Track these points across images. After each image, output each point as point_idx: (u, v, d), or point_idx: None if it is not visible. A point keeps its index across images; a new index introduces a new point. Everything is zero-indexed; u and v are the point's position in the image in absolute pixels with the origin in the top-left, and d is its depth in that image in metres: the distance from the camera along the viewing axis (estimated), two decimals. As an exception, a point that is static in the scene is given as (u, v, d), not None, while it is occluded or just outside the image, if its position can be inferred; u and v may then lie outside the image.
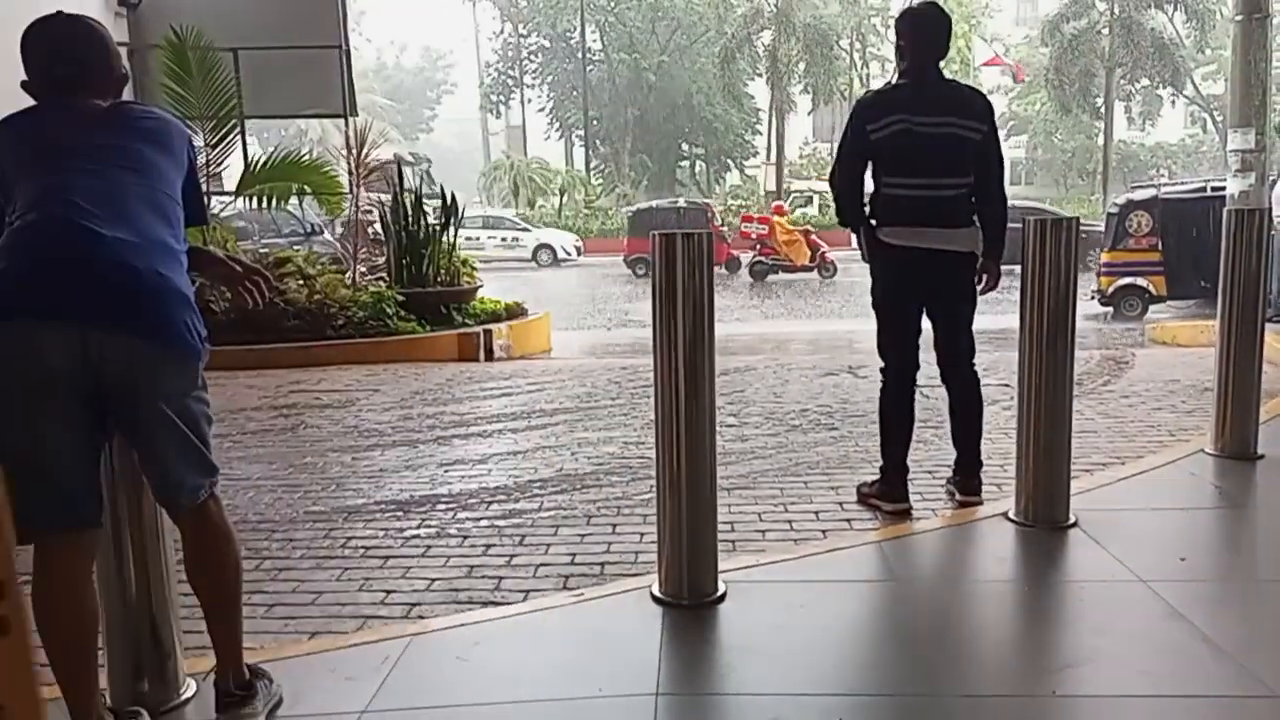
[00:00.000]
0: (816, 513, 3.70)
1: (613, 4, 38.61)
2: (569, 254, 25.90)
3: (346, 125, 9.48)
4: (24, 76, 2.15)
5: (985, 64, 35.22)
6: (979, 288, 3.62)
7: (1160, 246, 11.64)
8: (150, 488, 2.14)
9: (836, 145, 3.69)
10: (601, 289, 18.66)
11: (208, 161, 8.10)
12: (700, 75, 39.11)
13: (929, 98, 3.48)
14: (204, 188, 3.86)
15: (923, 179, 3.45)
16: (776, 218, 19.43)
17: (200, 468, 2.10)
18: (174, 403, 2.02)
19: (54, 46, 2.13)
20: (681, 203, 23.07)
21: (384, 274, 9.13)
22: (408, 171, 23.18)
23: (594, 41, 40.20)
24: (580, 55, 38.12)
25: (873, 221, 3.54)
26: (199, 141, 8.02)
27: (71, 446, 1.97)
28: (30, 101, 2.15)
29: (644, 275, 20.60)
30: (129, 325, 1.95)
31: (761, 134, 39.94)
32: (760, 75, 36.07)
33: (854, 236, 3.66)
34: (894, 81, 3.66)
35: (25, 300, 1.91)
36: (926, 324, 3.63)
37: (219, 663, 2.22)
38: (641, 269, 20.75)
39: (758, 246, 19.09)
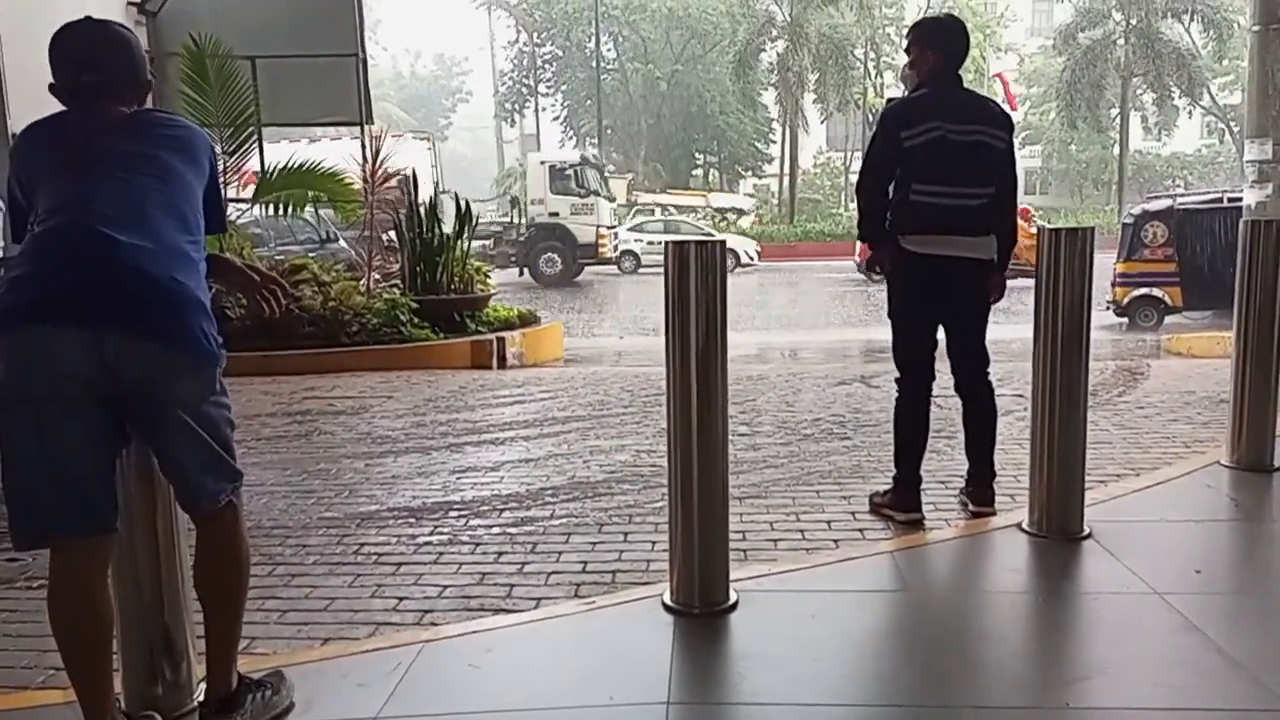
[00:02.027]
0: (829, 522, 3.69)
1: (627, 14, 38.68)
2: (751, 258, 25.58)
3: (362, 133, 9.53)
4: (51, 80, 2.16)
5: (995, 75, 35.07)
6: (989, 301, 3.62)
7: (1176, 257, 11.59)
8: (173, 492, 2.16)
9: (865, 154, 3.68)
10: (825, 293, 18.43)
11: (225, 169, 8.16)
12: (714, 84, 39.15)
13: (959, 105, 3.48)
14: (224, 195, 3.92)
15: (953, 187, 3.44)
16: (1021, 221, 18.55)
17: (221, 472, 2.12)
18: (191, 408, 2.04)
19: (78, 53, 2.14)
20: None
21: (398, 281, 9.17)
22: (592, 173, 23.42)
23: (608, 50, 40.32)
24: (595, 64, 38.21)
25: (893, 231, 3.53)
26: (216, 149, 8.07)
27: (90, 453, 1.98)
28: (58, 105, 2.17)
29: (879, 280, 19.85)
30: (145, 331, 1.96)
31: (775, 142, 39.96)
32: (774, 85, 36.09)
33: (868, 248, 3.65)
34: (910, 90, 3.65)
35: (43, 306, 1.92)
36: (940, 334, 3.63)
37: (207, 670, 2.23)
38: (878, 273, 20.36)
39: None
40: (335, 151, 11.57)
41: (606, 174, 26.90)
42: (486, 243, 22.93)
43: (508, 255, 22.87)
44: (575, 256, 22.34)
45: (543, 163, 23.59)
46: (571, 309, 16.28)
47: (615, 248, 23.93)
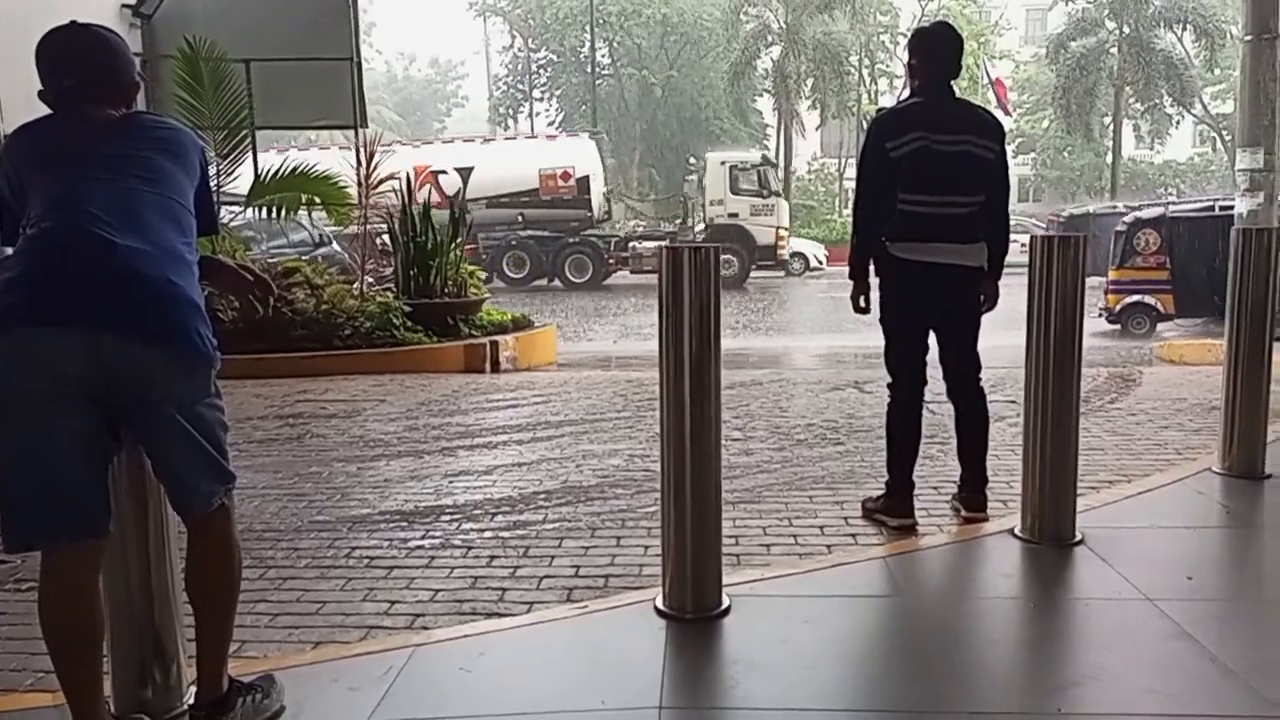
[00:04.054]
0: (821, 527, 3.69)
1: (622, 19, 38.74)
2: (820, 262, 25.16)
3: (356, 137, 9.53)
4: (40, 87, 2.16)
5: (993, 81, 35.21)
6: (981, 307, 3.63)
7: (1168, 265, 11.65)
8: (166, 494, 2.15)
9: (857, 165, 3.70)
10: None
11: (218, 172, 8.14)
12: (709, 90, 39.22)
13: (946, 116, 3.50)
14: (215, 197, 3.92)
15: (939, 196, 3.46)
16: None
17: (214, 474, 2.12)
18: (186, 410, 2.03)
19: (59, 57, 2.14)
20: (1120, 207, 21.63)
21: (391, 285, 9.15)
22: (773, 174, 22.71)
23: (603, 56, 40.36)
24: (589, 69, 38.24)
25: (883, 239, 3.55)
26: (210, 152, 8.07)
27: (84, 454, 1.97)
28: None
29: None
30: (140, 333, 1.96)
31: (770, 149, 40.02)
32: (769, 91, 36.14)
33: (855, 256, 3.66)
34: (905, 99, 3.67)
35: (38, 308, 1.92)
36: (931, 340, 3.64)
37: (198, 673, 2.22)
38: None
39: None
40: (329, 158, 11.55)
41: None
42: (663, 243, 22.65)
43: None
44: (753, 258, 21.38)
45: (723, 163, 22.53)
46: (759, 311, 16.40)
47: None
